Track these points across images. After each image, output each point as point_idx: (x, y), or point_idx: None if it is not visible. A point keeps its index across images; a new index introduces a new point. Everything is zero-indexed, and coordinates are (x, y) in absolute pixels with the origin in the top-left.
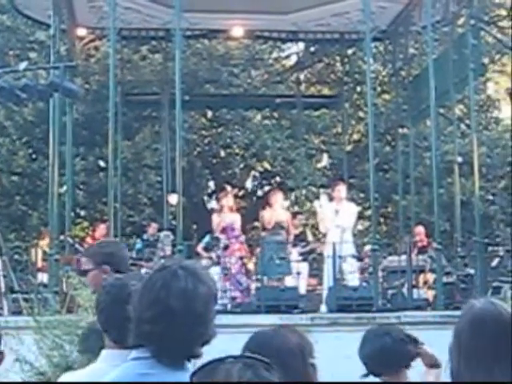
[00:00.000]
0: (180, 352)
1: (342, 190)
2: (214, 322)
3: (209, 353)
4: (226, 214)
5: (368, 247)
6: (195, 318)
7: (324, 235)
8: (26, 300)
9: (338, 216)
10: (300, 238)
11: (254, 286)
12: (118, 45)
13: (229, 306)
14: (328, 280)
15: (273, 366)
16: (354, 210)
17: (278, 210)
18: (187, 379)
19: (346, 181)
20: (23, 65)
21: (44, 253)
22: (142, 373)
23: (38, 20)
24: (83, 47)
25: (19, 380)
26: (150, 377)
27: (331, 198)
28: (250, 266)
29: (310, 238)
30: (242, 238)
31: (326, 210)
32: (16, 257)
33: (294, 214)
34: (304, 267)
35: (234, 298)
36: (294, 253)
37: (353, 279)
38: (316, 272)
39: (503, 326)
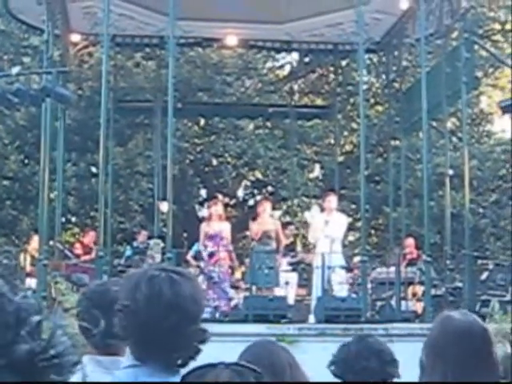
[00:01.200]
0: (164, 359)
1: (332, 200)
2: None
3: (198, 361)
4: (214, 223)
5: (357, 258)
6: (180, 330)
7: (314, 245)
8: None
9: (327, 226)
10: (290, 248)
11: (242, 295)
12: (111, 51)
13: (217, 315)
14: (316, 290)
15: (263, 376)
16: (343, 220)
17: (265, 220)
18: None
19: (337, 191)
20: (16, 69)
21: (32, 257)
22: (142, 381)
23: (32, 25)
24: (77, 53)
25: None
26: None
27: (323, 209)
28: (238, 275)
29: (299, 248)
30: (230, 246)
31: (317, 220)
32: (5, 261)
33: (285, 224)
34: (293, 277)
35: (216, 307)
36: (284, 263)
37: (341, 290)
38: (305, 282)
39: (488, 339)
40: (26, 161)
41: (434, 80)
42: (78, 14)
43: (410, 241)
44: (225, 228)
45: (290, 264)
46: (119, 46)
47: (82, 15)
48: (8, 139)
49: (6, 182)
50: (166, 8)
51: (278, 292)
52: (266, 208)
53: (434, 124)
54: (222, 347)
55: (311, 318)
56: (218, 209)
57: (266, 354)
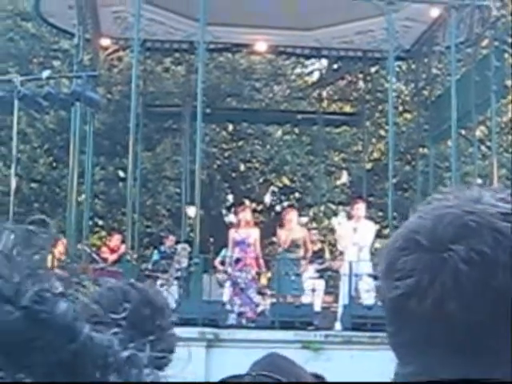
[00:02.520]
0: None
1: (361, 208)
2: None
3: (224, 367)
4: (242, 229)
5: None
6: None
7: (341, 253)
8: None
9: (356, 234)
10: (318, 255)
11: (268, 301)
12: (141, 56)
13: (243, 321)
14: (343, 298)
15: None
16: (372, 228)
17: (294, 229)
18: None
19: (364, 199)
20: (46, 73)
21: (58, 260)
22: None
23: (63, 29)
24: (106, 57)
25: None
26: None
27: (350, 216)
28: (264, 281)
29: (327, 255)
30: (258, 253)
31: (345, 227)
32: None
33: (310, 230)
34: (320, 284)
35: (241, 314)
36: (311, 270)
37: (369, 298)
38: (332, 289)
39: None
40: (55, 164)
41: (464, 88)
42: (108, 18)
43: None
44: (252, 234)
45: (318, 271)
46: (149, 50)
47: (113, 20)
48: (37, 142)
49: (34, 185)
50: (196, 13)
51: (305, 299)
52: (292, 217)
53: (463, 132)
54: (248, 354)
55: (338, 326)
56: (246, 215)
57: (285, 364)
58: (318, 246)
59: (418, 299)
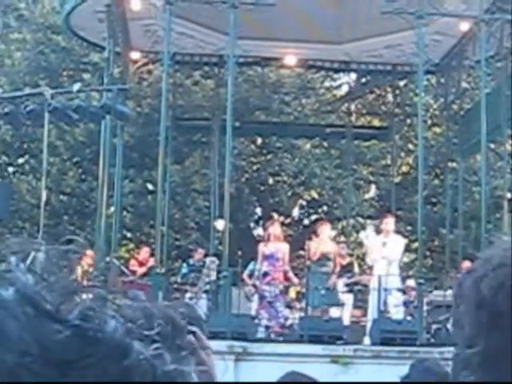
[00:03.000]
0: None
1: (390, 222)
2: None
3: (252, 380)
4: (271, 243)
5: (411, 281)
6: None
7: (370, 267)
8: None
9: (385, 248)
10: (346, 269)
11: (297, 315)
12: (170, 69)
13: (272, 335)
14: (372, 312)
15: None
16: (401, 242)
17: (324, 242)
18: None
19: (393, 213)
20: (77, 86)
21: (85, 272)
22: None
23: (93, 42)
24: (136, 70)
25: None
26: None
27: (378, 230)
28: (293, 294)
29: (356, 269)
30: (287, 267)
31: (374, 241)
32: None
33: (339, 244)
34: (349, 298)
35: (267, 327)
36: (340, 284)
37: (397, 312)
38: (361, 304)
39: None
40: (84, 176)
41: (494, 102)
42: (138, 31)
43: (467, 264)
44: (281, 248)
45: (346, 285)
46: (178, 63)
47: (143, 33)
48: (67, 155)
49: (63, 197)
50: (226, 27)
51: (334, 313)
52: (324, 229)
53: (493, 146)
54: (276, 367)
55: (366, 340)
56: (275, 229)
57: (308, 382)
58: (347, 259)
59: None
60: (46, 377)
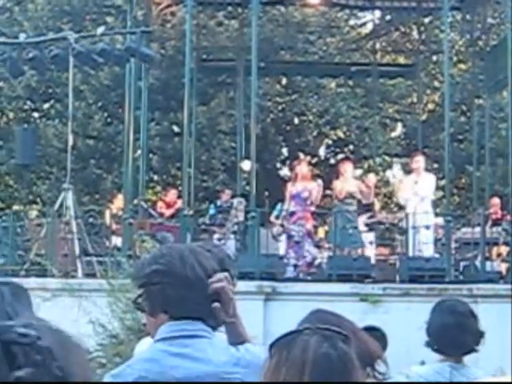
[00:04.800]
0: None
1: (420, 160)
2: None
3: (281, 320)
4: (298, 183)
5: (439, 218)
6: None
7: (401, 206)
8: (99, 263)
9: (417, 185)
10: (366, 208)
11: (325, 254)
12: (194, 10)
13: (300, 275)
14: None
15: (350, 339)
16: (432, 180)
17: (349, 181)
18: (221, 353)
19: (421, 151)
20: (101, 29)
21: (115, 216)
22: (175, 353)
23: None
24: (159, 12)
25: (92, 343)
26: (183, 356)
27: (405, 169)
28: (321, 234)
29: (377, 207)
30: (313, 206)
31: (405, 181)
32: (90, 220)
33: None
34: (370, 237)
35: (295, 266)
36: (360, 222)
37: (427, 250)
38: (388, 242)
39: None
40: (110, 120)
41: None
42: None
43: (496, 200)
44: (309, 187)
45: (366, 224)
46: (202, 4)
47: None
48: (92, 99)
49: (90, 141)
50: None
51: (364, 251)
52: (347, 168)
53: None
54: (306, 306)
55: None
56: (302, 168)
57: (334, 319)
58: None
59: None
60: None
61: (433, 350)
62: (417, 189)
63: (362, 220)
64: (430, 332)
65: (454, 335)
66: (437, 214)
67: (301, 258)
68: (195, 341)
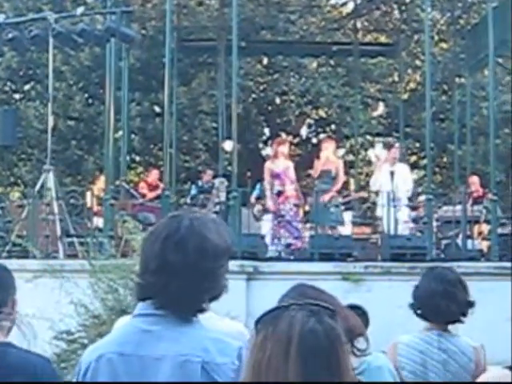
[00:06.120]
0: (184, 306)
1: (397, 152)
2: (225, 276)
3: (264, 299)
4: (280, 161)
5: (422, 197)
6: (200, 272)
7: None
8: (81, 244)
9: (392, 177)
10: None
11: (307, 233)
12: None
13: (282, 254)
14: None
15: (336, 312)
16: (408, 171)
17: (326, 159)
18: (193, 334)
19: (401, 129)
20: (80, 10)
21: (98, 197)
22: (145, 329)
23: None
24: None
25: (74, 324)
26: (151, 334)
27: (387, 146)
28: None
29: (352, 186)
30: (296, 185)
31: (380, 168)
32: (72, 201)
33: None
34: (348, 216)
35: (288, 245)
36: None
37: (407, 228)
38: (370, 221)
39: None
40: (91, 101)
41: (501, 16)
42: None
43: (475, 179)
44: (290, 166)
45: (343, 203)
46: None
47: None
48: (73, 80)
49: (71, 122)
50: None
51: (342, 230)
52: (327, 146)
53: (500, 61)
54: (288, 286)
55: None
56: (284, 148)
57: (314, 293)
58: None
59: None
60: None
61: (415, 314)
62: (396, 181)
63: (339, 200)
64: (415, 296)
65: (439, 302)
66: (419, 193)
67: (294, 236)
68: (168, 319)
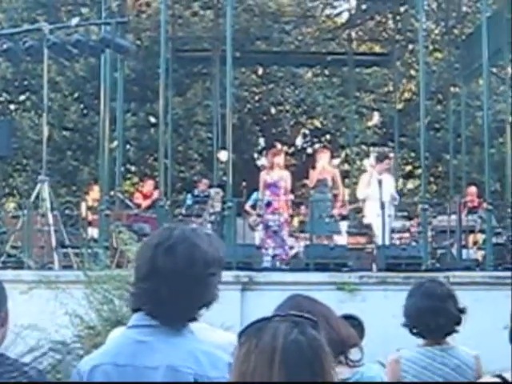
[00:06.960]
0: (175, 313)
1: (390, 164)
2: (217, 286)
3: (259, 310)
4: (274, 172)
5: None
6: (189, 278)
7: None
8: (76, 254)
9: (380, 186)
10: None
11: (302, 243)
12: (169, 0)
13: (277, 264)
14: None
15: (319, 324)
16: (392, 182)
17: (323, 168)
18: (186, 345)
19: (396, 139)
20: (75, 20)
21: (91, 207)
22: (139, 340)
23: None
24: (135, 3)
25: (70, 335)
26: (145, 344)
27: (380, 159)
28: (296, 223)
29: (346, 197)
30: (289, 196)
31: (366, 178)
32: (67, 211)
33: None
34: (343, 226)
35: (274, 256)
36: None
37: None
38: (366, 231)
39: None
40: (86, 111)
41: (495, 26)
42: None
43: (472, 189)
44: (284, 176)
45: (338, 214)
46: None
47: None
48: (68, 90)
49: (66, 133)
50: None
51: (338, 240)
52: (322, 156)
53: (495, 70)
54: (283, 296)
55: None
56: (280, 159)
57: (308, 303)
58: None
59: None
60: None
61: (411, 333)
62: (384, 188)
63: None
64: (406, 315)
65: (429, 319)
66: (414, 203)
67: (280, 247)
68: (161, 330)
